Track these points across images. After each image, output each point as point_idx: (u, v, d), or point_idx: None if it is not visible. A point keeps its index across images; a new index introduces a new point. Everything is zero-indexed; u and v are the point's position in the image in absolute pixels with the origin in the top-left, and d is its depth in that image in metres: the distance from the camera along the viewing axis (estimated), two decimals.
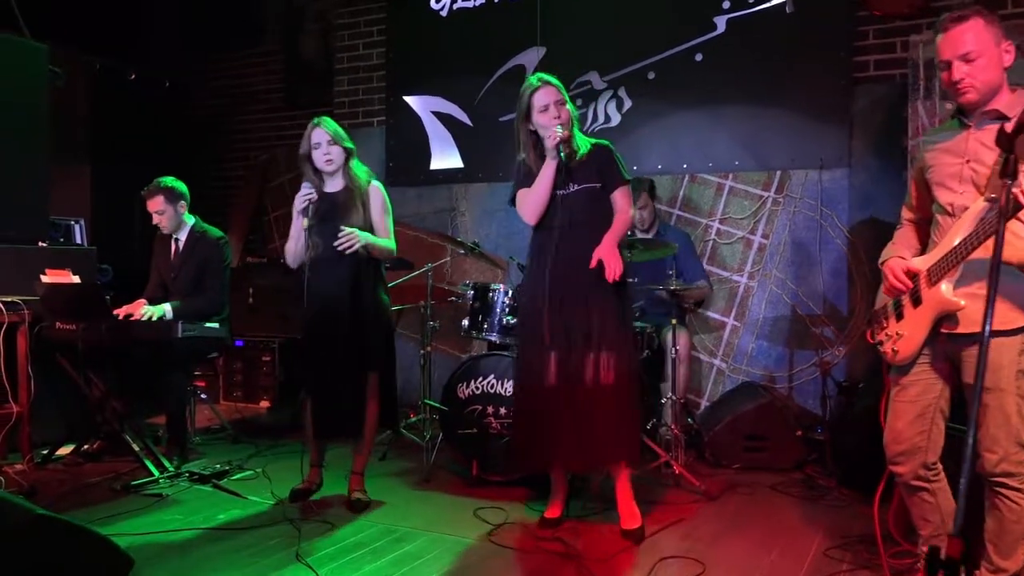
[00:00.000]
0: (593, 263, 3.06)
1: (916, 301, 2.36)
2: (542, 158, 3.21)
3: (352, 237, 3.40)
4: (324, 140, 3.50)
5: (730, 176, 4.90)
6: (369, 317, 3.53)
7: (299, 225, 3.49)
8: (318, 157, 3.51)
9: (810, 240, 4.74)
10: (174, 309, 4.24)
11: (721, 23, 4.89)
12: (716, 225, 4.95)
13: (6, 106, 4.42)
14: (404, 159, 5.91)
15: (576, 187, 3.17)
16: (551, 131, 3.12)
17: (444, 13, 5.74)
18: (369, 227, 3.53)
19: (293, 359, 5.81)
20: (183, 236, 4.48)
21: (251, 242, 6.76)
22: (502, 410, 3.87)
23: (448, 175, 5.79)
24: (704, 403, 4.98)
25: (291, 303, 5.63)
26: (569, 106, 3.20)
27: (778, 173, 4.82)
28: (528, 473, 3.61)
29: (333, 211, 3.50)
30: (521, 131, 3.25)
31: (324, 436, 3.67)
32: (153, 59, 6.57)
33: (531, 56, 5.44)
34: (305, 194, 3.46)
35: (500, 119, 5.53)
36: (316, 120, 3.54)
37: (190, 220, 4.50)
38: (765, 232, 4.85)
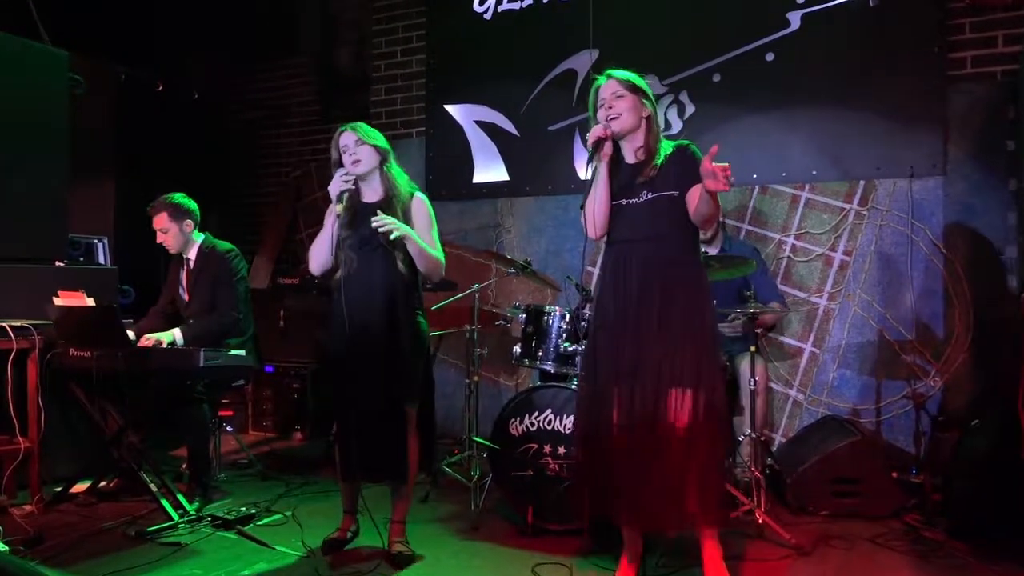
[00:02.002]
0: (707, 168, 2.46)
1: None
2: (616, 164, 2.80)
3: (390, 223, 2.98)
4: (351, 141, 3.11)
5: (807, 187, 4.43)
6: (407, 343, 3.10)
7: (331, 220, 3.07)
8: (346, 161, 3.11)
9: (899, 256, 4.25)
10: (183, 332, 3.88)
11: (795, 19, 4.45)
12: (791, 241, 4.48)
13: (24, 115, 4.13)
14: (445, 172, 5.52)
15: (650, 195, 2.72)
16: (592, 129, 2.73)
17: (488, 16, 5.37)
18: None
19: (326, 387, 5.42)
20: (193, 255, 4.13)
21: (283, 262, 6.43)
22: (561, 449, 3.43)
23: (492, 189, 5.40)
24: (778, 439, 4.48)
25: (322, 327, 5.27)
26: (647, 103, 2.76)
27: (862, 183, 4.34)
28: (591, 522, 3.13)
29: (369, 223, 3.07)
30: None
31: (354, 478, 3.25)
32: (181, 69, 6.30)
33: (583, 59, 5.04)
34: (343, 174, 3.07)
35: (549, 128, 5.14)
36: (344, 126, 3.16)
37: (199, 238, 4.15)
38: (847, 248, 4.37)
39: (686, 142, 2.76)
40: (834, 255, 4.40)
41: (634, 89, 2.75)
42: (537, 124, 5.20)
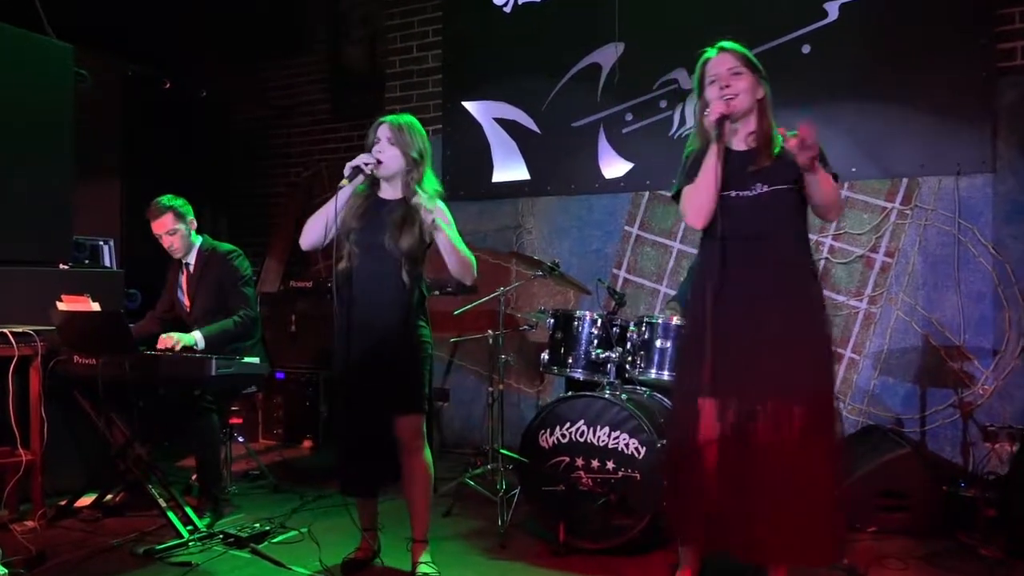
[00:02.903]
0: (797, 140, 2.32)
1: None
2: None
3: (427, 202, 2.80)
4: (384, 137, 2.90)
5: (846, 185, 4.22)
6: (409, 351, 2.90)
7: (337, 196, 2.84)
8: (369, 154, 2.90)
9: (945, 258, 4.03)
10: (205, 337, 3.71)
11: (833, 9, 4.24)
12: (828, 241, 4.27)
13: (26, 110, 3.94)
14: (463, 171, 5.32)
15: (763, 188, 2.49)
16: (713, 105, 2.49)
17: (508, 9, 5.17)
18: (422, 252, 2.94)
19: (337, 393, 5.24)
20: (192, 259, 3.95)
21: (293, 265, 6.23)
22: (594, 463, 3.24)
23: (513, 188, 5.19)
24: None
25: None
26: (764, 84, 2.53)
27: (904, 181, 4.13)
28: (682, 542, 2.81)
29: (382, 222, 2.88)
30: (698, 112, 2.62)
31: (356, 493, 3.06)
32: (189, 67, 6.11)
33: (608, 53, 4.84)
34: (368, 158, 2.86)
35: (572, 124, 4.94)
36: (387, 117, 2.95)
37: (197, 241, 3.97)
38: (889, 249, 4.16)
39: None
40: (875, 256, 4.18)
41: (752, 66, 2.52)
42: (560, 121, 4.99)
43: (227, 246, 3.99)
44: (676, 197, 2.66)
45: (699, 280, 2.61)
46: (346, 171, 2.85)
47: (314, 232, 2.92)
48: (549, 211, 5.08)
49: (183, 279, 3.97)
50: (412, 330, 2.91)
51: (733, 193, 2.51)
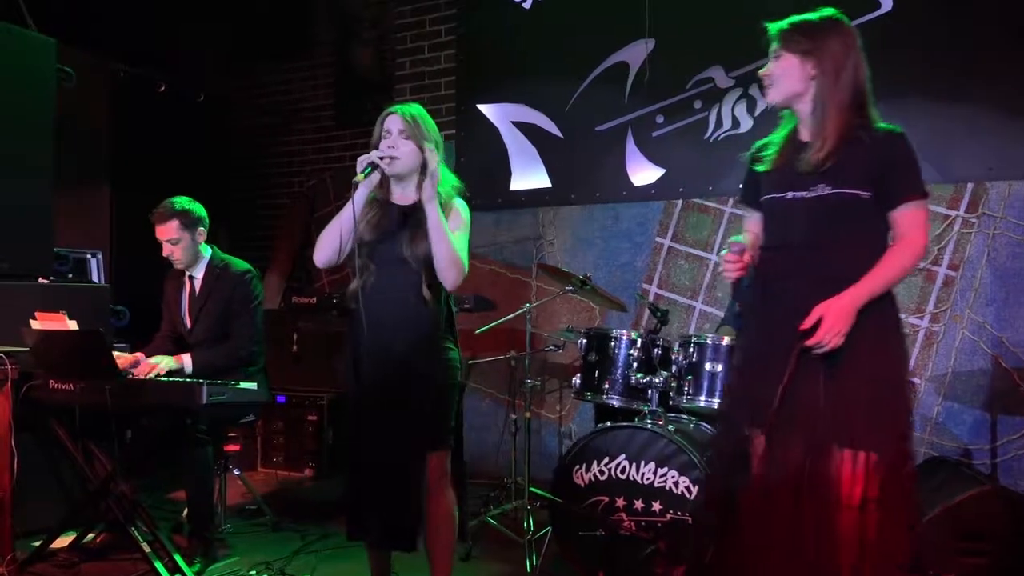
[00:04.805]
0: (810, 320, 2.00)
1: None
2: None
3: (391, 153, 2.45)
4: (395, 129, 2.53)
5: None
6: (435, 379, 2.53)
7: (352, 202, 2.46)
8: (382, 146, 2.54)
9: (1017, 271, 3.66)
10: (194, 363, 3.33)
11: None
12: None
13: (4, 108, 3.60)
14: (478, 178, 4.92)
15: (826, 189, 2.10)
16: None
17: (527, 5, 4.83)
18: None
19: (345, 420, 4.86)
20: (199, 273, 3.56)
21: (295, 280, 5.87)
22: (638, 503, 2.85)
23: (533, 197, 4.82)
24: None
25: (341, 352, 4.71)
26: (827, 57, 2.17)
27: (970, 186, 3.76)
28: None
29: (395, 231, 2.53)
30: None
31: (367, 541, 2.62)
32: (186, 69, 5.78)
33: (637, 51, 4.48)
34: (381, 152, 2.50)
35: (597, 128, 4.59)
36: (395, 107, 2.59)
37: (207, 253, 3.58)
38: (953, 261, 3.78)
39: (898, 129, 2.13)
40: (937, 269, 3.80)
41: (802, 40, 2.15)
42: (583, 124, 4.63)
43: (242, 264, 3.59)
44: (744, 202, 2.32)
45: (751, 297, 2.23)
46: (359, 166, 2.46)
47: (330, 246, 2.52)
48: (572, 221, 4.71)
49: (186, 294, 3.59)
50: (438, 352, 2.54)
51: (791, 195, 2.14)
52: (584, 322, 4.50)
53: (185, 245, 3.46)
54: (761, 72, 2.22)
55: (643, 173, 4.49)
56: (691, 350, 3.06)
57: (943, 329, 3.79)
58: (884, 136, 2.11)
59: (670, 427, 2.92)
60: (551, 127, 4.76)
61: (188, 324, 3.55)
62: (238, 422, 3.65)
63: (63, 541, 3.41)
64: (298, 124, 6.05)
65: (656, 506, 2.82)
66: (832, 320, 1.97)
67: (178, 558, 3.08)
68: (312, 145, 6.01)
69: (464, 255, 2.52)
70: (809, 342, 1.99)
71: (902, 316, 3.72)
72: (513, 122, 4.89)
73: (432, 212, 2.42)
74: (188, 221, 3.46)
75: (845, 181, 2.08)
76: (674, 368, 3.10)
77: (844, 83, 2.13)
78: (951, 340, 3.77)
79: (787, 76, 2.16)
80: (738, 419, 2.14)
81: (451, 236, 2.46)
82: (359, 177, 2.45)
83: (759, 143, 2.30)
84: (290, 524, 3.86)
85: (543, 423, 4.67)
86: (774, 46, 2.19)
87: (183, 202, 3.47)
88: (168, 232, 3.44)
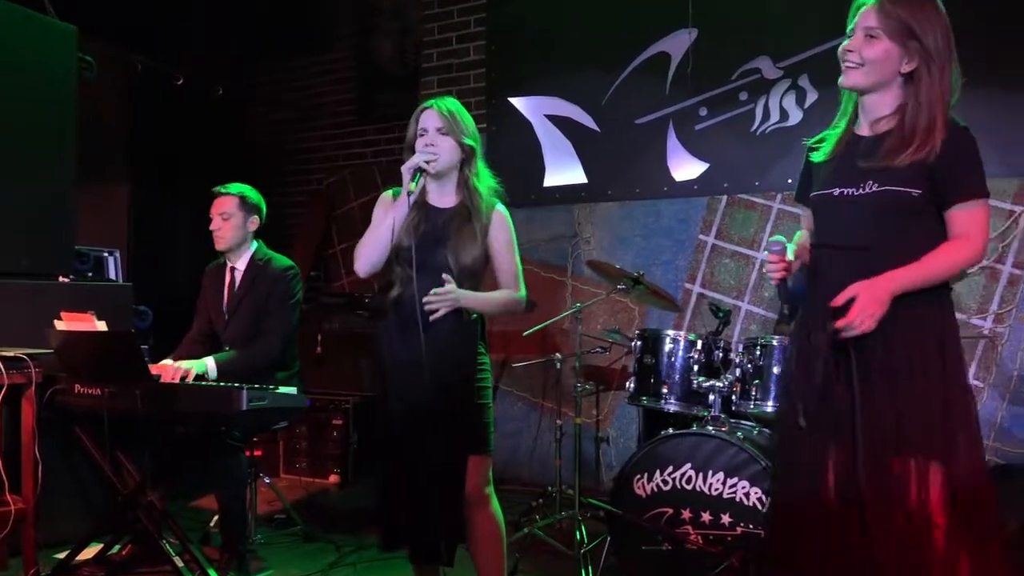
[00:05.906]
0: (843, 296, 1.85)
1: None
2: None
3: (446, 297, 2.31)
4: (432, 126, 2.40)
5: None
6: (477, 378, 2.43)
7: (398, 208, 2.36)
8: (418, 145, 2.41)
9: None
10: (218, 364, 3.17)
11: None
12: None
13: (23, 100, 3.44)
14: (511, 175, 4.63)
15: (875, 187, 1.93)
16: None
17: None
18: (483, 266, 2.47)
19: (370, 423, 4.70)
20: (241, 264, 3.40)
21: (315, 279, 5.71)
22: (705, 516, 2.68)
23: (568, 193, 4.67)
24: None
25: (368, 353, 4.60)
26: (919, 51, 1.94)
27: None
28: None
29: (438, 236, 2.41)
30: None
31: (396, 548, 2.48)
32: (205, 63, 5.63)
33: (679, 41, 4.32)
34: (425, 150, 2.38)
35: (636, 121, 4.43)
36: (431, 102, 2.45)
37: (253, 245, 3.44)
38: (1018, 260, 3.62)
39: (961, 122, 1.93)
40: (1001, 268, 3.64)
41: (900, 27, 1.90)
42: (622, 118, 4.48)
43: (285, 260, 3.46)
44: (800, 200, 2.18)
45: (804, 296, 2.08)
46: (406, 174, 2.34)
47: (375, 253, 2.40)
48: (610, 218, 4.55)
49: (226, 287, 3.43)
50: (474, 359, 2.44)
51: (839, 191, 1.98)
52: (624, 323, 4.35)
53: (236, 223, 3.35)
54: (844, 47, 1.98)
55: (685, 168, 4.33)
56: (757, 352, 2.90)
57: (1008, 330, 3.63)
58: (953, 133, 1.91)
59: (738, 434, 2.76)
60: (587, 120, 4.61)
61: (226, 318, 3.40)
62: (271, 428, 3.48)
63: (88, 553, 3.24)
64: (317, 120, 5.92)
65: (725, 519, 2.66)
66: (865, 302, 1.82)
67: (213, 573, 2.91)
68: (332, 142, 5.87)
69: (522, 291, 2.50)
70: (839, 323, 1.83)
71: (964, 318, 3.60)
72: (547, 115, 4.73)
73: (478, 307, 2.42)
74: (248, 204, 3.39)
75: (894, 178, 1.90)
76: (737, 371, 2.93)
77: (947, 82, 1.94)
78: (1016, 342, 3.61)
79: (886, 63, 1.92)
80: (788, 423, 1.99)
81: (500, 297, 2.47)
82: (411, 186, 2.32)
83: (815, 138, 2.13)
84: (322, 533, 3.69)
85: (581, 427, 4.49)
86: (872, 23, 1.96)
87: (247, 188, 3.43)
88: (224, 204, 3.35)
